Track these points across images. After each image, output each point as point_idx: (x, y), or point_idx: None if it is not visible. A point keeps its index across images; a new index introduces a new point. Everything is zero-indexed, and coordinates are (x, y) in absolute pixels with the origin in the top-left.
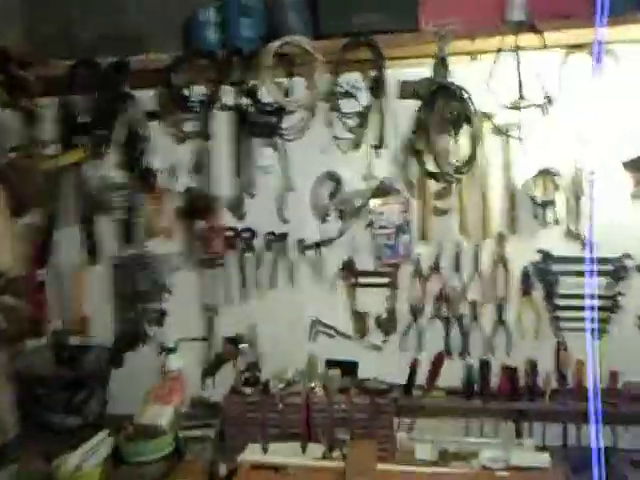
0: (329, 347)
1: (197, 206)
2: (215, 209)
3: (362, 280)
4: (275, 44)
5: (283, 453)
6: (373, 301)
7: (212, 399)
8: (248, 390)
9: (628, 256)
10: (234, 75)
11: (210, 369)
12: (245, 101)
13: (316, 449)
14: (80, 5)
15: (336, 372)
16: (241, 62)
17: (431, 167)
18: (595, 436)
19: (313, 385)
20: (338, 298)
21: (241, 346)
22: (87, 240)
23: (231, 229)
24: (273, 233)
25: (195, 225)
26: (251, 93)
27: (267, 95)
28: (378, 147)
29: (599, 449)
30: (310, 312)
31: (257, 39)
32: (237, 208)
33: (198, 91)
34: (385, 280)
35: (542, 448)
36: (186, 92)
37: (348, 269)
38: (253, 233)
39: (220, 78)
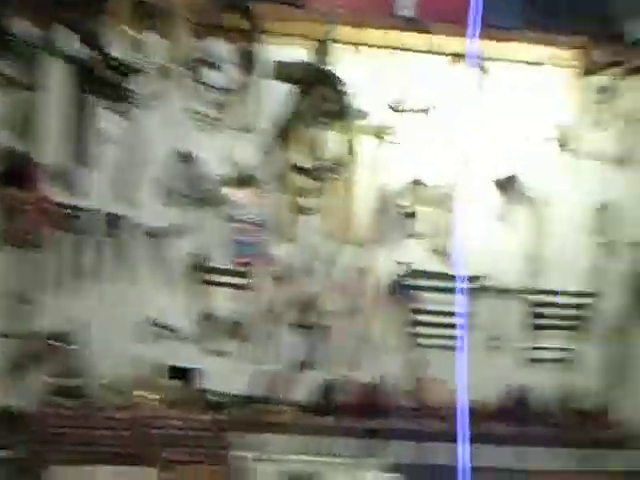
0: (170, 352)
1: (13, 170)
2: (38, 177)
3: (213, 278)
4: None
5: None
6: (224, 303)
7: (17, 410)
8: (65, 401)
9: (484, 277)
10: (73, 15)
11: (13, 372)
12: (88, 52)
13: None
14: None
15: (175, 382)
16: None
17: (300, 161)
18: (461, 455)
19: (146, 396)
20: (184, 296)
21: (60, 346)
22: None
23: (58, 205)
24: (112, 214)
25: (9, 193)
26: (95, 43)
27: (116, 49)
28: (244, 130)
29: (464, 468)
30: (150, 311)
31: None
32: (69, 180)
33: (25, 29)
34: (239, 280)
35: (396, 467)
36: (9, 26)
37: (198, 264)
38: (87, 212)
39: (53, 15)
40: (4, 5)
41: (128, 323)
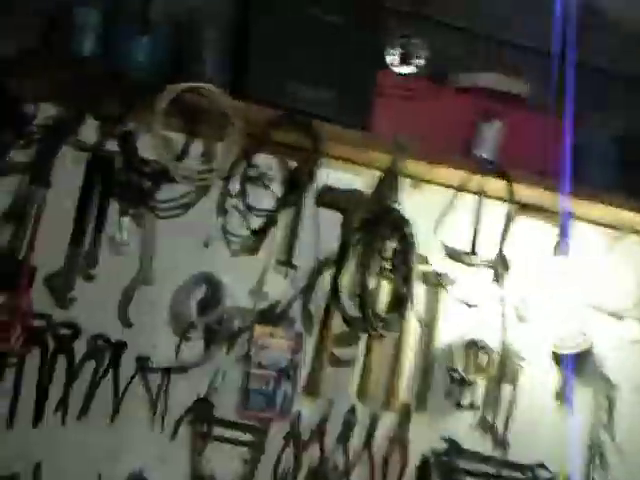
0: None
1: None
2: (23, 282)
3: (217, 431)
4: (180, 86)
5: None
6: (226, 463)
7: None
8: None
9: (542, 466)
10: (106, 106)
11: None
12: (112, 147)
13: None
14: None
15: None
16: (122, 91)
17: (344, 306)
18: None
19: None
20: (177, 451)
21: None
22: None
23: (43, 317)
24: (106, 338)
25: None
26: (126, 139)
27: (149, 150)
28: (284, 263)
29: None
30: (130, 466)
31: (151, 69)
32: (61, 290)
33: (45, 111)
34: (249, 437)
35: None
36: (28, 108)
37: (200, 412)
38: (75, 331)
39: (83, 102)
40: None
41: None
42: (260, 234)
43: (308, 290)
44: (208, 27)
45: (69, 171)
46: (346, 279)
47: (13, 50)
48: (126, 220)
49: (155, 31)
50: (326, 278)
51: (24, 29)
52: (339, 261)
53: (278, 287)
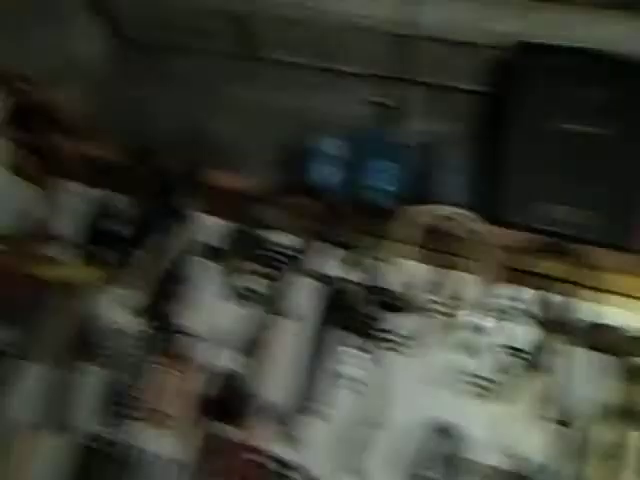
0: None
1: (228, 402)
2: (252, 416)
3: None
4: (432, 209)
5: None
6: None
7: None
8: None
9: None
10: (347, 235)
11: None
12: (353, 277)
13: None
14: (164, 93)
15: None
16: (364, 220)
17: None
18: None
19: None
20: None
21: None
22: (55, 392)
23: (271, 457)
24: None
25: (216, 429)
26: (366, 269)
27: (390, 278)
28: (563, 424)
29: None
30: None
31: (395, 196)
32: (289, 428)
33: (282, 240)
34: None
35: None
36: (272, 237)
37: None
38: (307, 476)
39: (326, 233)
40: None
41: None
42: (516, 378)
43: (581, 454)
44: (452, 149)
45: (305, 300)
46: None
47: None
48: (360, 354)
49: (400, 156)
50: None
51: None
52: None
53: (537, 446)
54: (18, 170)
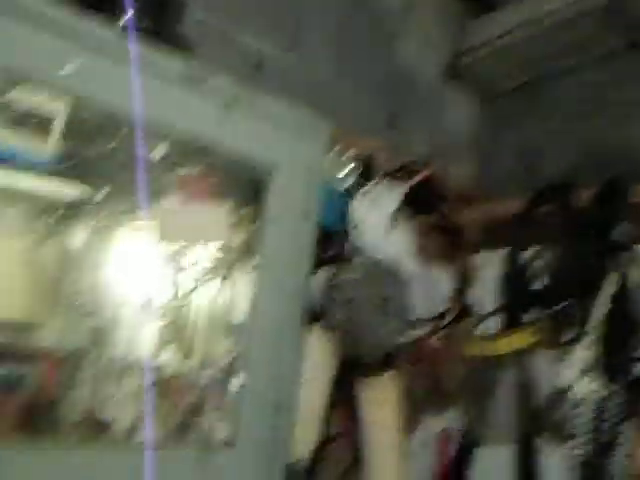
0: None
1: None
2: None
3: None
4: None
5: None
6: None
7: None
8: None
9: None
10: None
11: None
12: None
13: None
14: (546, 131)
15: None
16: None
17: None
18: None
19: None
20: None
21: None
22: (520, 473)
23: None
24: None
25: None
26: None
27: None
28: None
29: None
30: None
31: None
32: None
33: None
34: None
35: None
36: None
37: None
38: None
39: None
40: None
41: None
42: None
43: None
44: None
45: None
46: None
47: None
48: None
49: None
50: None
51: None
52: None
53: None
54: (424, 252)
